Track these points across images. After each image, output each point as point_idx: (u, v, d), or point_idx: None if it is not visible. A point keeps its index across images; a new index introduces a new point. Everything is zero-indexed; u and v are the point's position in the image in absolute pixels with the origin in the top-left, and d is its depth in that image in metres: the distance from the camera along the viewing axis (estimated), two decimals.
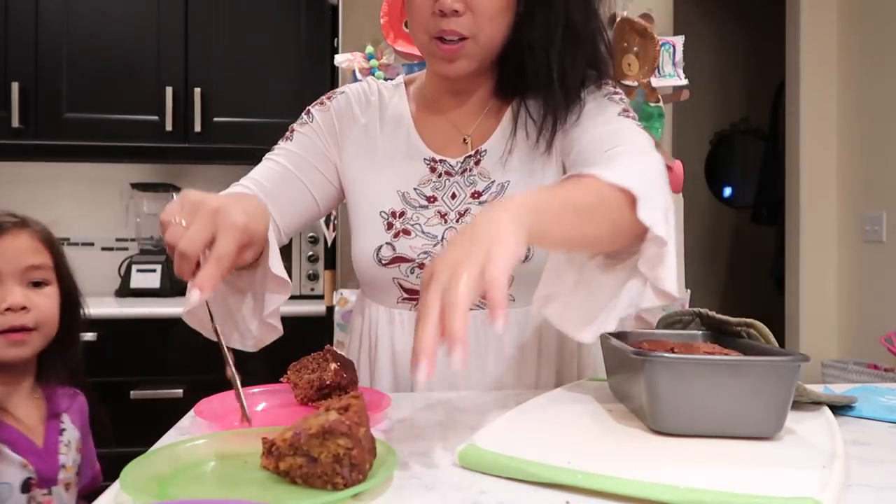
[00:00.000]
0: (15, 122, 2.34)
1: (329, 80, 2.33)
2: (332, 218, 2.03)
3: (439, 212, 0.97)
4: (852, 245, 2.94)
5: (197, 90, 2.42)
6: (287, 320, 0.84)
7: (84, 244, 2.77)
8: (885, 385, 0.94)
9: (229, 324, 0.82)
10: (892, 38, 2.75)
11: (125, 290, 2.52)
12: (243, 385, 0.86)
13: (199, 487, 0.55)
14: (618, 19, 1.97)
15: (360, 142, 1.01)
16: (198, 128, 2.42)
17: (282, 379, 0.84)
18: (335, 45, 1.98)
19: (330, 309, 1.98)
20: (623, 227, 0.70)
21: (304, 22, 2.49)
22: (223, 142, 2.45)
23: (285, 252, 2.43)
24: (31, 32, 2.37)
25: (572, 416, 0.74)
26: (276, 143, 1.02)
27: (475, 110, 1.00)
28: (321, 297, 2.34)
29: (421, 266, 0.95)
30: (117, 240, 2.79)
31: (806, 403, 0.77)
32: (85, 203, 2.77)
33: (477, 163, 0.98)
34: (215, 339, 0.71)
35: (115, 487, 0.54)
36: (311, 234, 2.42)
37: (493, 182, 0.96)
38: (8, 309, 0.91)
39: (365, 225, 0.99)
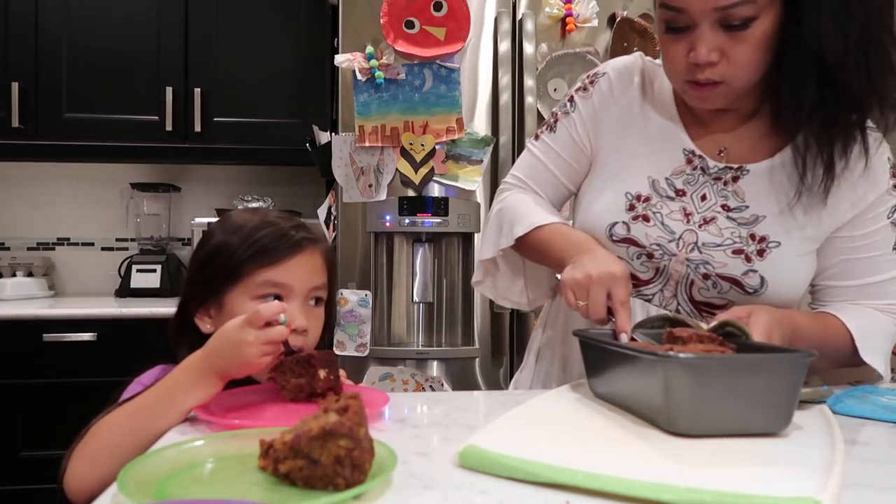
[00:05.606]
0: (15, 122, 2.34)
1: (329, 80, 2.33)
2: (333, 218, 2.03)
3: (684, 209, 0.95)
4: None
5: (197, 90, 2.42)
6: None
7: (84, 244, 2.77)
8: (885, 385, 0.94)
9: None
10: None
11: (125, 290, 2.52)
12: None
13: (198, 489, 0.54)
14: (618, 19, 1.97)
15: (619, 121, 1.02)
16: (198, 128, 2.42)
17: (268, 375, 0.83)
18: (335, 45, 1.98)
19: None
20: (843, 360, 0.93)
21: (304, 22, 2.48)
22: (223, 142, 2.45)
23: None
24: (31, 32, 2.37)
25: (572, 416, 0.74)
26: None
27: (733, 124, 0.97)
28: None
29: (649, 256, 0.95)
30: (117, 240, 2.79)
31: (801, 403, 0.77)
32: (85, 203, 2.77)
33: (735, 179, 0.95)
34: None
35: (112, 489, 0.54)
36: None
37: (746, 207, 0.93)
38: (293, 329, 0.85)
39: (607, 196, 0.98)
